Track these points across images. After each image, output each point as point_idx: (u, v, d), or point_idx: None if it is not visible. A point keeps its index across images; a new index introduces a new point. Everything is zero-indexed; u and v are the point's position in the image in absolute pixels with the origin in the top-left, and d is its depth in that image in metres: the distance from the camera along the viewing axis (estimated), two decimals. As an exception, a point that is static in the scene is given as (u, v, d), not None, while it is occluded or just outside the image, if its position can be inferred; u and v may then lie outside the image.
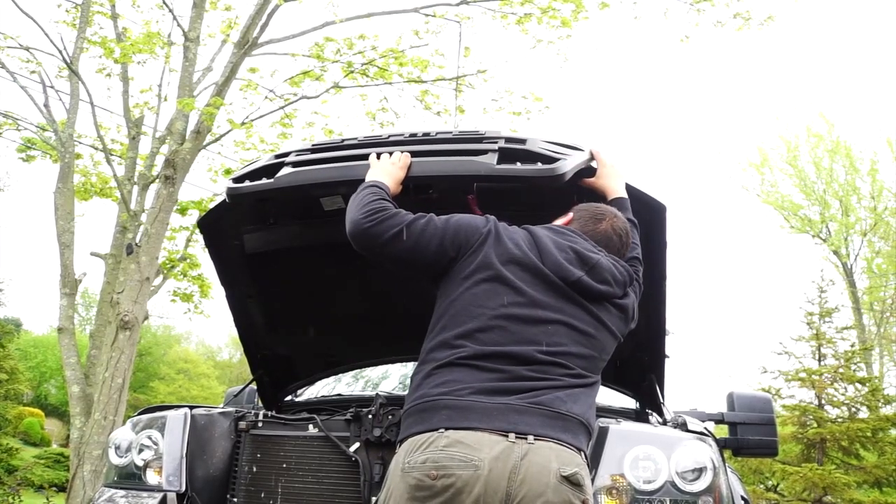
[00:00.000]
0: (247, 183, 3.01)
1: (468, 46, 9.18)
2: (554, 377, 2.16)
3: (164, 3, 9.20)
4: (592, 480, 2.58)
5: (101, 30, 9.92)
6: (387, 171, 2.68)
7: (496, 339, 2.18)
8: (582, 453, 2.14)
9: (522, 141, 2.81)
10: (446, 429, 2.07)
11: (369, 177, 2.64)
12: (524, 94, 9.50)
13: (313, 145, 3.20)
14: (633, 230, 2.68)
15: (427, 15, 9.11)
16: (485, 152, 2.78)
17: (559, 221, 2.56)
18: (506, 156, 2.74)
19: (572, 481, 2.03)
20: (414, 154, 2.79)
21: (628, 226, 2.57)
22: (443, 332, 2.24)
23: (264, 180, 2.97)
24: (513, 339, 2.18)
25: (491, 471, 1.99)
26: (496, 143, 2.82)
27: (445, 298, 2.30)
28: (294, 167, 2.96)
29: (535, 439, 2.05)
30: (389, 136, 3.04)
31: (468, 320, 2.21)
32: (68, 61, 8.93)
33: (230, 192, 3.06)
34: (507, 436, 2.04)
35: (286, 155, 3.06)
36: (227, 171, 9.83)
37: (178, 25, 8.71)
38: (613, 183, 2.81)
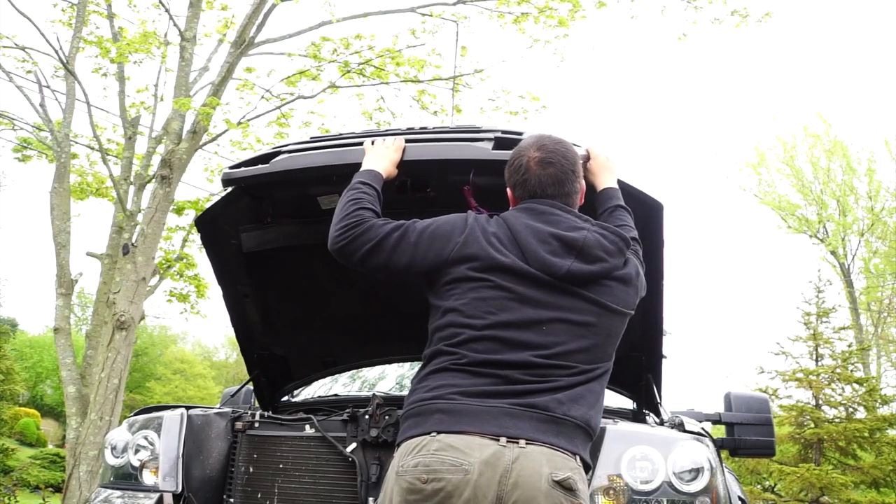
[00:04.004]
0: (242, 169, 3.03)
1: (465, 46, 9.21)
2: (552, 379, 2.12)
3: (161, 2, 9.21)
4: (589, 481, 2.57)
5: (98, 29, 9.93)
6: (382, 154, 2.68)
7: (490, 348, 2.15)
8: (577, 457, 2.10)
9: (519, 133, 2.81)
10: (438, 432, 2.06)
11: (364, 164, 2.63)
12: (521, 94, 9.51)
13: (311, 138, 3.22)
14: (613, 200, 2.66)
15: (424, 14, 9.12)
16: (481, 140, 2.79)
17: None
18: (502, 143, 2.74)
19: (564, 486, 2.00)
20: (409, 141, 2.79)
21: (553, 143, 2.39)
22: (439, 342, 2.22)
23: (260, 166, 2.98)
24: (507, 346, 2.14)
25: (481, 475, 1.97)
26: (493, 133, 2.83)
27: (436, 310, 2.28)
28: (290, 153, 2.97)
29: (526, 443, 2.02)
30: (387, 131, 3.06)
31: (461, 330, 2.18)
32: (64, 61, 8.93)
33: (226, 176, 3.08)
34: (498, 439, 2.02)
35: (283, 146, 3.09)
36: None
37: (175, 25, 8.71)
38: (604, 175, 2.76)
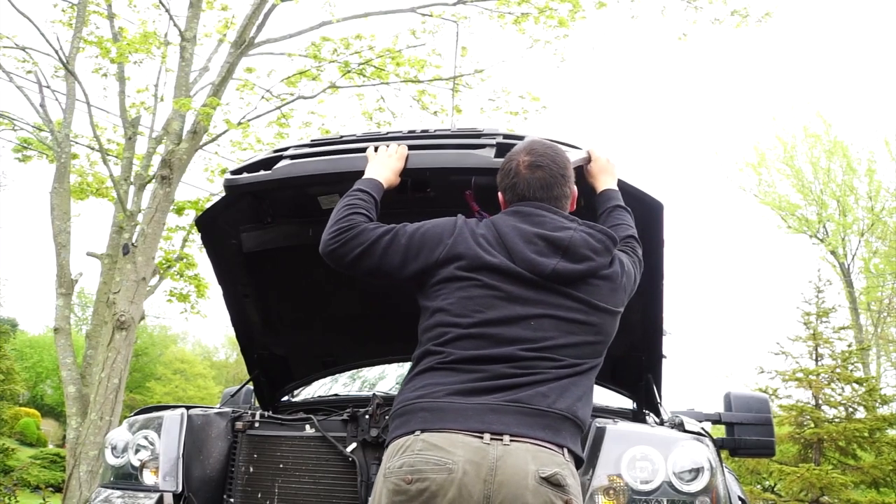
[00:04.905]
0: (245, 175, 3.02)
1: (465, 46, 9.20)
2: (539, 371, 2.13)
3: (161, 2, 9.20)
4: (589, 481, 2.57)
5: (98, 29, 9.93)
6: (384, 163, 2.69)
7: (477, 345, 2.16)
8: (564, 450, 2.09)
9: (520, 137, 2.82)
10: (422, 431, 2.07)
11: (367, 171, 2.65)
12: (521, 94, 9.51)
13: (312, 141, 3.22)
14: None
15: (424, 15, 9.11)
16: (483, 146, 2.80)
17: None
18: (503, 150, 2.74)
19: (552, 482, 2.00)
20: (412, 148, 2.80)
21: (543, 147, 2.43)
22: (427, 342, 2.23)
23: (262, 172, 2.98)
24: (494, 342, 2.16)
25: (465, 474, 1.97)
26: (494, 138, 2.83)
27: (425, 311, 2.30)
28: (292, 160, 2.97)
29: (510, 440, 2.02)
30: (388, 133, 3.07)
31: (449, 329, 2.19)
32: (64, 61, 8.93)
33: (227, 183, 3.07)
34: (481, 437, 2.02)
35: (285, 150, 3.08)
36: (224, 171, 9.83)
37: (175, 25, 8.71)
38: (605, 177, 2.78)
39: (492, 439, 2.02)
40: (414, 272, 2.30)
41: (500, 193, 2.46)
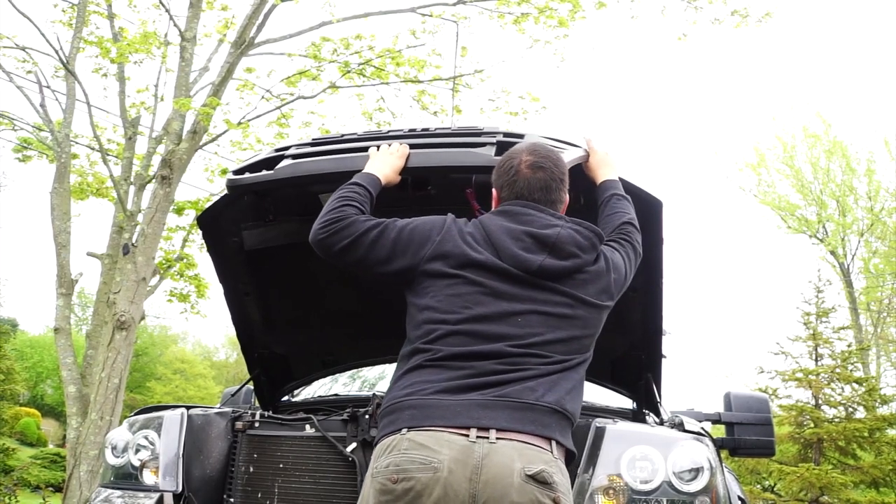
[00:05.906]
0: (247, 175, 3.03)
1: (465, 46, 9.21)
2: (527, 367, 2.13)
3: (161, 2, 9.21)
4: (589, 481, 2.58)
5: (98, 30, 9.94)
6: (385, 160, 2.70)
7: (465, 342, 2.16)
8: (553, 443, 2.09)
9: (520, 136, 2.83)
10: (409, 429, 2.07)
11: (367, 167, 2.66)
12: (521, 94, 9.52)
13: (313, 139, 3.22)
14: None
15: (424, 15, 9.12)
16: (483, 145, 2.81)
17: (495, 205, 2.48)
18: (504, 149, 2.75)
19: (538, 479, 1.99)
20: (413, 146, 2.81)
21: (546, 150, 2.45)
22: (416, 340, 2.24)
23: (264, 172, 2.99)
24: (481, 338, 2.16)
25: (451, 472, 1.97)
26: (495, 136, 2.84)
27: (413, 307, 2.31)
28: (294, 159, 2.98)
29: (497, 437, 2.02)
30: (389, 132, 3.08)
31: (437, 326, 2.20)
32: (65, 61, 8.93)
33: (230, 182, 3.08)
34: (468, 434, 2.02)
35: (286, 149, 3.09)
36: (224, 171, 9.84)
37: (175, 25, 8.72)
38: (604, 169, 2.80)
39: (478, 437, 2.02)
40: (400, 268, 2.31)
41: (494, 190, 2.47)
